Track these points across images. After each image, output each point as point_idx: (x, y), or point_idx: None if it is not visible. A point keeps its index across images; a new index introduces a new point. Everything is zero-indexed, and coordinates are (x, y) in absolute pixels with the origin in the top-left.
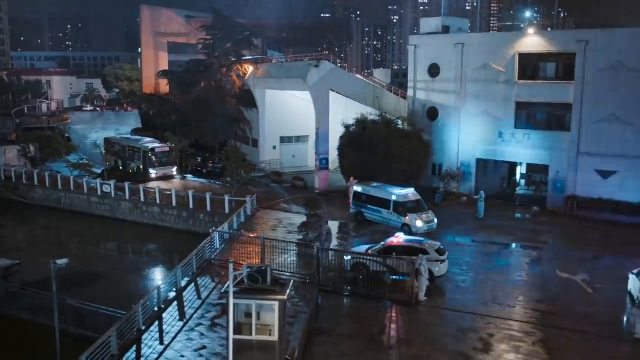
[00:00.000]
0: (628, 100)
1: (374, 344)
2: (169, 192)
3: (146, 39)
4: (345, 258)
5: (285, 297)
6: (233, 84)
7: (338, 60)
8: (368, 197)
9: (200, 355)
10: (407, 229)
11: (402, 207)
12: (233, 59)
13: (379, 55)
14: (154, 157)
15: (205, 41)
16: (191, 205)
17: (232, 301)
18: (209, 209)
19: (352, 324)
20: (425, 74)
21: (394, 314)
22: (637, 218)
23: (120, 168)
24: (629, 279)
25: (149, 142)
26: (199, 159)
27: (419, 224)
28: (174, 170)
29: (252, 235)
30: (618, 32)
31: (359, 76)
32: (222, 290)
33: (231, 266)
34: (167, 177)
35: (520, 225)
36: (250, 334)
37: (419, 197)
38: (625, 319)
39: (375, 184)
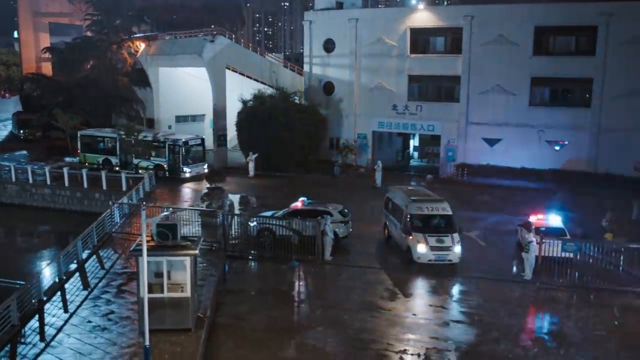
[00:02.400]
0: (510, 71)
1: (284, 299)
2: (60, 172)
3: (24, 19)
4: (251, 224)
5: (197, 251)
6: (124, 62)
7: (234, 36)
8: (393, 204)
9: (109, 320)
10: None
11: (412, 222)
12: (124, 36)
13: (270, 42)
14: (185, 152)
15: (93, 17)
16: (85, 185)
17: (145, 245)
18: (104, 187)
19: (261, 283)
20: (320, 49)
21: (302, 273)
22: (520, 182)
23: (117, 168)
24: (517, 231)
25: (171, 134)
26: None
27: (421, 249)
28: (205, 167)
29: (155, 205)
30: (499, 7)
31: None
32: (132, 249)
33: (143, 213)
34: (200, 177)
35: None
36: (162, 292)
37: (446, 212)
38: (515, 264)
39: (409, 187)
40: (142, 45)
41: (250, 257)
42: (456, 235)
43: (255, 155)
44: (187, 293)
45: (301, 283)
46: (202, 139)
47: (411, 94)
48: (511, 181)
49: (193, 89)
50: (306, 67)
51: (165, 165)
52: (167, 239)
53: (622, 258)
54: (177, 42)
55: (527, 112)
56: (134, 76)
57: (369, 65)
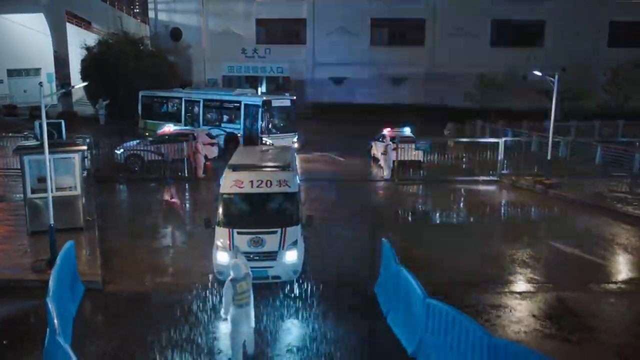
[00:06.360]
0: (352, 14)
1: (163, 207)
2: None
3: None
4: (117, 152)
5: (85, 147)
6: None
7: None
8: None
9: None
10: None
11: (223, 206)
12: None
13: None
14: (269, 116)
15: None
16: None
17: (45, 136)
18: None
19: (140, 197)
20: None
21: (176, 189)
22: (366, 118)
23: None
24: (371, 147)
25: (250, 93)
26: None
27: (221, 258)
28: (296, 138)
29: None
30: None
31: None
32: (16, 147)
33: (41, 89)
34: None
35: None
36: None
37: (285, 189)
38: (373, 171)
39: (263, 148)
40: None
41: (121, 181)
42: (294, 231)
43: (107, 102)
44: (78, 191)
45: (180, 194)
46: (293, 100)
47: (259, 38)
48: (357, 117)
49: (27, 41)
50: (151, 14)
51: (239, 135)
52: (53, 137)
53: (464, 159)
54: None
55: (369, 52)
56: None
57: (216, 10)
